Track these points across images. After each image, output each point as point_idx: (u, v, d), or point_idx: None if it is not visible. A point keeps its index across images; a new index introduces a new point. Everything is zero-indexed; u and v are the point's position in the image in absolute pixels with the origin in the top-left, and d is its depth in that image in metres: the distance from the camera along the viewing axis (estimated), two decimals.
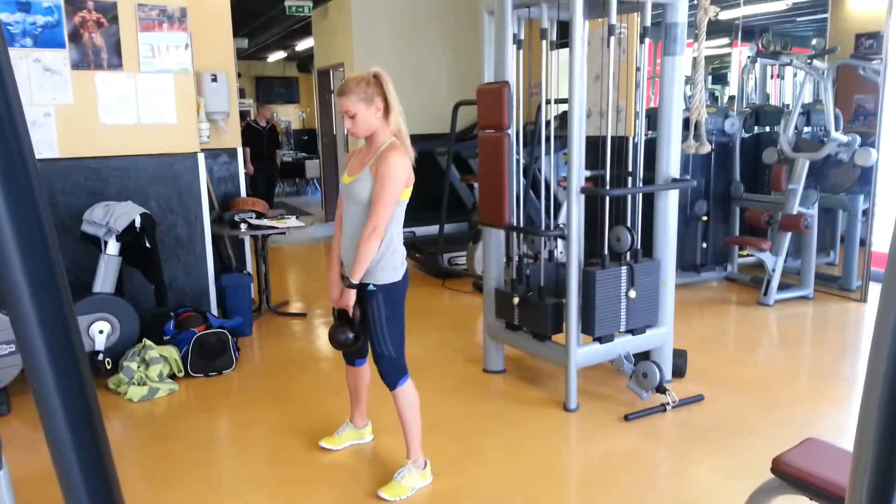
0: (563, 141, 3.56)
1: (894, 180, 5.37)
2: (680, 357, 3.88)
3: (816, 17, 7.39)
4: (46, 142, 4.08)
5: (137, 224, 3.99)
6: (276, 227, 5.06)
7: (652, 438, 3.23)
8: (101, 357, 3.88)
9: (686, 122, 3.74)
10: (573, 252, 3.39)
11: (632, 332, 3.60)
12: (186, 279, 4.64)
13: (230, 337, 4.18)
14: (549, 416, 3.46)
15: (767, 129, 6.29)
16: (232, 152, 5.46)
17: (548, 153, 3.86)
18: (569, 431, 3.36)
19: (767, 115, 6.28)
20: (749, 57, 6.67)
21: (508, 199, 3.61)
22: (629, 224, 3.58)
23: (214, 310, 4.75)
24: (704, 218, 5.89)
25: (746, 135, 6.16)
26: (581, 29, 3.24)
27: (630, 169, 3.66)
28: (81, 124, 4.17)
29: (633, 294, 3.49)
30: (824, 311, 5.25)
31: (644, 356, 3.69)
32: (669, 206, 3.68)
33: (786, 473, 1.84)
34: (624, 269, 3.48)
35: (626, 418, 3.39)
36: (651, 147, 3.73)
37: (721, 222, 6.05)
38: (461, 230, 7.30)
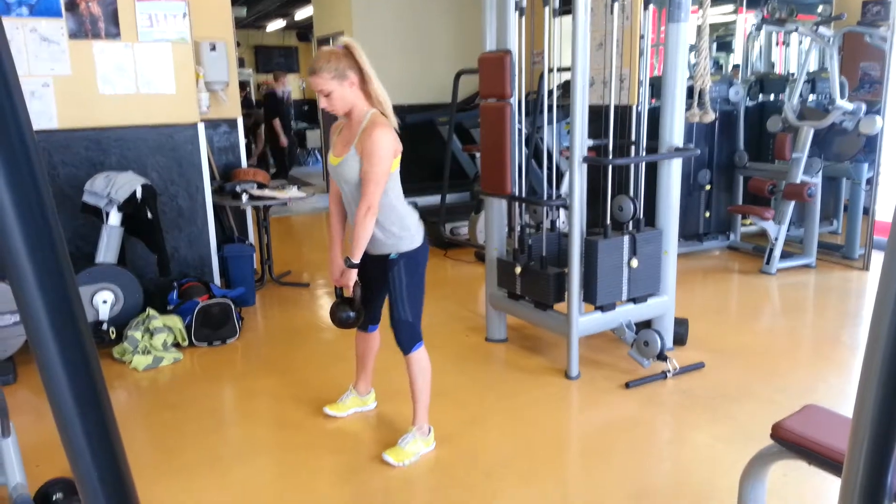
0: (565, 110, 3.53)
1: None
2: (681, 325, 3.90)
3: None
4: (45, 113, 4.06)
5: (139, 195, 3.99)
6: (278, 198, 5.05)
7: (652, 405, 3.26)
8: (105, 327, 3.90)
9: (690, 91, 3.71)
10: (575, 221, 3.39)
11: (633, 300, 3.61)
12: (189, 249, 4.65)
13: (233, 307, 4.20)
14: (551, 384, 3.49)
15: (772, 97, 6.22)
16: (232, 122, 5.43)
17: (550, 122, 3.83)
18: (570, 399, 3.39)
19: (772, 83, 6.21)
20: (754, 24, 6.58)
21: (510, 168, 3.59)
22: (632, 193, 3.57)
23: (217, 280, 4.76)
24: (707, 187, 5.86)
25: (751, 103, 6.10)
26: None
27: (633, 138, 3.64)
28: (80, 95, 4.14)
29: (635, 263, 3.49)
30: (826, 279, 5.25)
31: (645, 325, 3.70)
32: (672, 175, 3.66)
33: (785, 439, 1.86)
34: (626, 238, 3.48)
35: (627, 386, 3.41)
36: (654, 116, 3.70)
37: (724, 191, 6.02)
38: (463, 200, 7.28)
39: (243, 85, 9.86)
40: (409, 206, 2.74)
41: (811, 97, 5.85)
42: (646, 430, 3.07)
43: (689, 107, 3.72)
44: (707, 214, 5.94)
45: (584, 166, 3.37)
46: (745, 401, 3.26)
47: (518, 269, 3.70)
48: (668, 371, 3.49)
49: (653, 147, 3.70)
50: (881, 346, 0.50)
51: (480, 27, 3.77)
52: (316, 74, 2.50)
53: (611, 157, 3.54)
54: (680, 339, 3.89)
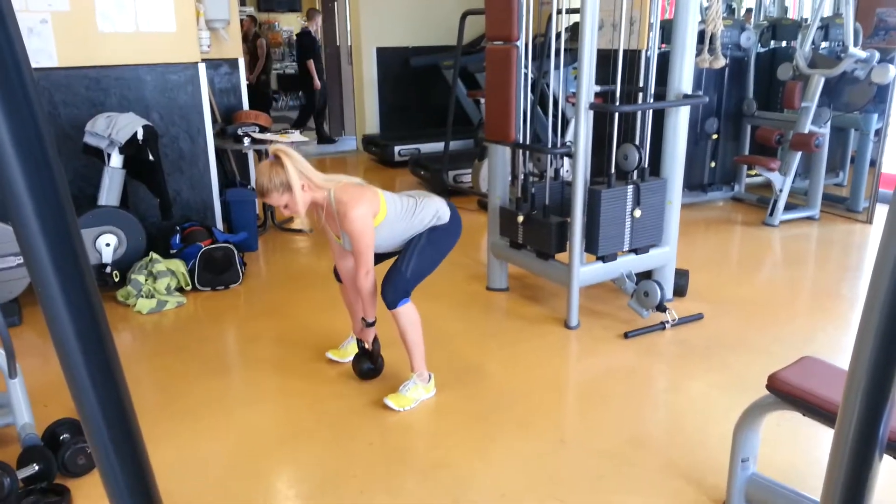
0: (573, 54, 3.46)
1: None
2: (682, 276, 3.91)
3: None
4: (44, 50, 3.99)
5: (140, 136, 3.96)
6: (280, 142, 5.01)
7: (650, 355, 3.30)
8: (108, 269, 3.92)
9: (701, 35, 3.62)
10: (579, 170, 3.36)
11: (635, 251, 3.61)
12: (191, 193, 4.64)
13: (236, 252, 4.22)
14: (550, 333, 3.53)
15: (784, 43, 6.09)
16: (233, 63, 5.35)
17: (557, 67, 3.77)
18: (569, 347, 3.43)
19: (785, 28, 6.07)
20: None
21: (515, 115, 3.55)
22: (637, 142, 3.53)
23: (220, 224, 4.77)
24: (715, 136, 5.80)
25: (762, 49, 5.98)
26: None
27: (641, 84, 3.58)
28: (79, 32, 4.07)
29: (638, 213, 3.48)
30: (829, 232, 5.24)
31: (646, 275, 3.72)
32: (680, 124, 3.61)
33: (780, 390, 1.89)
34: (630, 188, 3.46)
35: (626, 336, 3.45)
36: (664, 61, 3.63)
37: (731, 140, 5.96)
38: (467, 147, 7.22)
39: (244, 24, 9.56)
40: (413, 201, 2.80)
41: (823, 44, 5.72)
42: (643, 378, 3.11)
43: (699, 52, 3.64)
44: (713, 164, 5.89)
45: (591, 113, 3.33)
46: (743, 351, 3.30)
47: (520, 218, 3.69)
48: (667, 322, 3.52)
49: (661, 94, 3.65)
50: (880, 299, 0.50)
51: None
52: (267, 196, 2.59)
53: (618, 103, 3.49)
54: (680, 291, 3.91)
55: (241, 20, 10.12)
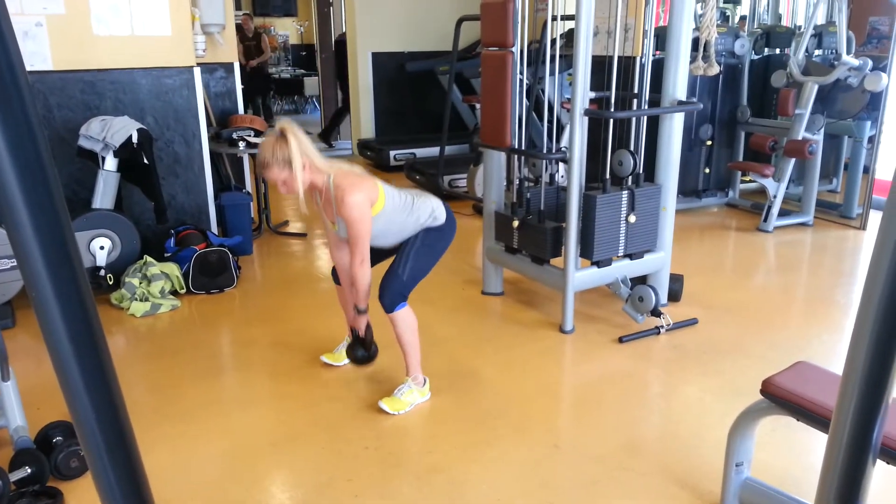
0: (568, 60, 3.48)
1: None
2: (676, 281, 3.92)
3: None
4: (39, 53, 3.98)
5: (134, 139, 3.95)
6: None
7: (645, 360, 3.30)
8: (102, 272, 3.91)
9: (695, 43, 3.64)
10: (574, 176, 3.37)
11: (630, 256, 3.62)
12: (185, 197, 4.62)
13: (231, 255, 4.21)
14: (546, 338, 3.53)
15: (778, 51, 6.13)
16: (229, 67, 5.34)
17: (552, 73, 3.78)
18: (564, 352, 3.43)
19: (779, 36, 6.10)
20: None
21: (510, 120, 3.55)
22: (632, 148, 3.54)
23: (214, 228, 4.75)
24: (709, 142, 5.82)
25: (756, 57, 6.01)
26: None
27: (636, 91, 3.59)
28: (74, 35, 4.06)
29: (633, 219, 3.49)
30: (823, 238, 5.26)
31: (641, 280, 3.72)
32: (674, 130, 3.62)
33: (775, 395, 1.89)
34: (625, 193, 3.47)
35: (621, 340, 3.45)
36: (658, 68, 3.64)
37: (725, 147, 5.98)
38: (462, 152, 7.22)
39: (239, 28, 9.57)
40: (411, 197, 2.80)
41: (817, 52, 5.76)
42: (637, 383, 3.12)
43: (693, 59, 3.66)
44: (707, 170, 5.91)
45: (585, 119, 3.34)
46: (737, 356, 3.30)
47: (515, 223, 3.69)
48: (662, 327, 3.52)
49: (655, 100, 3.66)
50: (874, 305, 0.51)
51: None
52: (267, 169, 2.58)
53: (612, 110, 3.50)
54: (674, 296, 3.92)
55: (242, 19, 10.15)
